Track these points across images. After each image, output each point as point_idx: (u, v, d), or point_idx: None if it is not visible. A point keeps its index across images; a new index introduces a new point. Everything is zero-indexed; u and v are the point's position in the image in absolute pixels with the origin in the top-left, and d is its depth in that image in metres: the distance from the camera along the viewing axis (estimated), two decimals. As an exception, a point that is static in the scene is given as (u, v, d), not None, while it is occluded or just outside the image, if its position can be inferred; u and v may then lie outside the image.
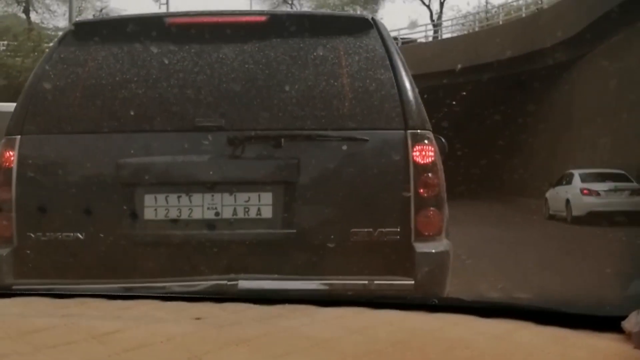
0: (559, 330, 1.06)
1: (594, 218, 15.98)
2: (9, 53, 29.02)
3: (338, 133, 3.40)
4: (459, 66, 26.81)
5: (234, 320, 1.07)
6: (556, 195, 18.64)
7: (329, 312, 1.14)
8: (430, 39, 37.04)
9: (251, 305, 1.17)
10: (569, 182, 18.05)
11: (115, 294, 1.26)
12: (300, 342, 0.97)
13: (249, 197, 3.39)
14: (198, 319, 1.07)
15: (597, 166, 19.75)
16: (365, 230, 3.31)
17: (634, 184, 16.89)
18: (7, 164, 3.48)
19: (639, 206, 15.85)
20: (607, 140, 21.55)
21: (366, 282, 3.19)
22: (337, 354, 0.93)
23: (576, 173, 18.31)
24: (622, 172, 17.61)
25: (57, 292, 1.26)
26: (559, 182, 18.90)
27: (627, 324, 1.05)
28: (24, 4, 37.48)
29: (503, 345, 1.00)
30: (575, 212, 17.16)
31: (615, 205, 16.27)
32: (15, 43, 29.94)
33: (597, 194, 16.85)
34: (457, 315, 1.13)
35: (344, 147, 3.40)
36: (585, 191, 17.03)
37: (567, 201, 17.64)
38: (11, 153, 3.49)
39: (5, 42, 29.95)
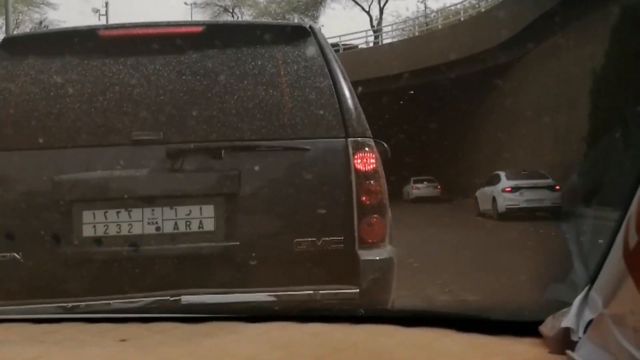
0: (479, 337, 1.09)
1: (516, 214, 17.80)
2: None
3: (279, 143, 3.35)
4: (400, 71, 27.12)
5: (160, 341, 1.07)
6: (484, 194, 20.31)
7: (256, 327, 1.14)
8: (372, 44, 37.32)
9: (178, 324, 1.16)
10: (497, 182, 19.55)
11: (41, 317, 1.24)
12: (227, 357, 0.97)
13: (190, 210, 3.33)
14: (123, 340, 1.06)
15: (539, 165, 20.22)
16: (309, 239, 3.28)
17: (551, 181, 18.38)
18: None
19: (556, 201, 17.48)
20: (549, 139, 21.99)
21: (311, 292, 3.16)
22: (260, 371, 0.93)
23: (502, 174, 19.73)
24: (542, 171, 19.18)
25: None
26: (488, 183, 20.31)
27: (543, 329, 1.08)
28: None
29: (424, 354, 1.01)
30: (500, 209, 18.81)
31: (534, 202, 17.99)
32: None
33: (518, 191, 18.48)
34: (383, 325, 1.15)
35: (285, 157, 3.38)
36: (507, 189, 18.65)
37: (494, 199, 19.30)
38: None
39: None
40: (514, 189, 18.52)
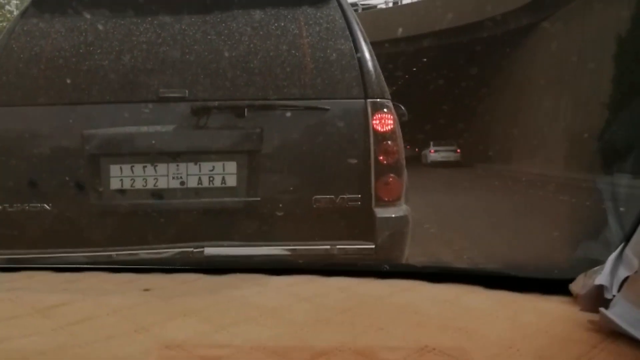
0: (508, 294, 1.08)
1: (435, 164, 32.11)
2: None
3: (300, 103, 3.45)
4: (420, 32, 26.86)
5: (183, 291, 1.07)
6: (423, 154, 35.66)
7: (280, 280, 1.14)
8: (391, 4, 36.99)
9: (201, 276, 1.16)
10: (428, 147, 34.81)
11: (63, 266, 1.24)
12: (249, 311, 0.97)
13: (213, 167, 3.47)
14: (146, 290, 1.06)
15: (556, 131, 20.48)
16: (327, 197, 3.40)
17: (454, 147, 34.49)
18: None
19: (457, 158, 33.72)
20: (568, 105, 21.81)
21: (328, 247, 3.26)
22: (285, 322, 0.93)
23: (431, 142, 34.83)
24: (452, 140, 34.29)
25: (5, 266, 1.25)
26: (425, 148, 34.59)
27: (574, 287, 1.07)
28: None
29: (451, 309, 1.01)
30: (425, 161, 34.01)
31: (444, 158, 33.87)
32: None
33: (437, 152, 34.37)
34: (408, 281, 1.14)
35: (306, 117, 3.46)
36: (431, 151, 34.66)
37: (425, 156, 35.03)
38: None
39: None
40: (435, 151, 34.57)
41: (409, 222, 3.49)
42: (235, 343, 0.85)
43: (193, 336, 0.87)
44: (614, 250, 1.01)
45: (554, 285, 1.10)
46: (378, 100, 3.48)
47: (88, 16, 3.68)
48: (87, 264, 1.29)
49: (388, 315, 0.97)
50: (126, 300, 1.00)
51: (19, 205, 3.45)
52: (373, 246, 3.31)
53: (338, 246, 3.25)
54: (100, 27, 3.65)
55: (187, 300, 1.00)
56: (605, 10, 19.45)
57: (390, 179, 3.45)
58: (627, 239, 0.99)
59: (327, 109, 3.45)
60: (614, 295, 0.95)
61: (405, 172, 3.52)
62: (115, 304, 0.97)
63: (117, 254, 3.07)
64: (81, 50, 3.61)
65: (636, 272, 0.92)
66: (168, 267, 1.22)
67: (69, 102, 3.55)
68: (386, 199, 3.45)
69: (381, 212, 3.42)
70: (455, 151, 35.58)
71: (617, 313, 0.91)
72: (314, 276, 1.19)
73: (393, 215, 3.43)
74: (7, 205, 3.45)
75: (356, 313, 0.97)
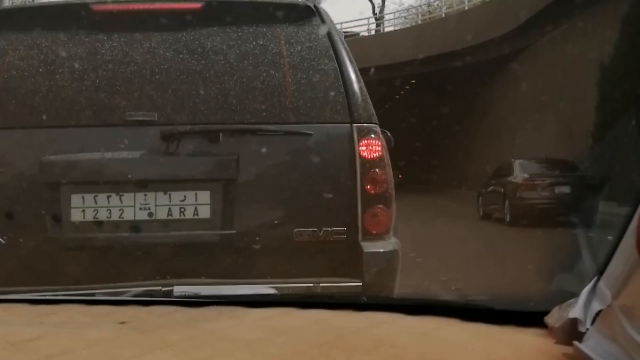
0: (484, 327, 1.09)
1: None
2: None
3: (280, 127, 3.27)
4: (403, 60, 27.06)
5: (160, 324, 1.08)
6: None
7: (257, 313, 1.15)
8: (373, 32, 37.24)
9: (178, 308, 1.17)
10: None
11: (40, 298, 1.25)
12: (225, 344, 0.98)
13: (185, 196, 3.25)
14: (123, 323, 1.07)
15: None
16: (310, 229, 3.19)
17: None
18: None
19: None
20: (552, 131, 21.97)
21: (312, 284, 3.09)
22: (261, 356, 0.94)
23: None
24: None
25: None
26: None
27: (549, 319, 1.09)
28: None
29: (428, 342, 1.02)
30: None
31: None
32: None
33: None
34: (385, 313, 1.16)
35: (287, 142, 3.30)
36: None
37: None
38: None
39: None
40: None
41: (398, 257, 3.30)
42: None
43: (169, 370, 0.88)
44: (588, 283, 1.03)
45: (529, 317, 1.12)
46: (365, 124, 3.29)
47: (50, 34, 3.48)
48: (62, 296, 1.29)
49: (365, 349, 0.98)
50: (102, 334, 1.01)
51: None
52: (360, 284, 3.12)
53: (322, 284, 3.09)
54: (62, 45, 3.46)
55: (164, 333, 1.01)
56: (587, 37, 19.70)
57: (379, 210, 3.24)
58: (600, 272, 1.01)
59: (310, 134, 3.27)
60: (587, 329, 0.96)
61: (394, 203, 3.33)
62: (91, 338, 0.98)
63: (76, 293, 2.88)
64: (41, 70, 3.37)
65: (608, 305, 0.94)
66: (145, 299, 1.23)
67: (26, 126, 3.36)
68: (374, 232, 3.25)
69: (369, 247, 3.21)
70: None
71: (591, 346, 0.93)
72: (290, 309, 1.20)
73: (382, 250, 3.23)
74: None
75: (333, 346, 0.98)
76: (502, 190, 15.75)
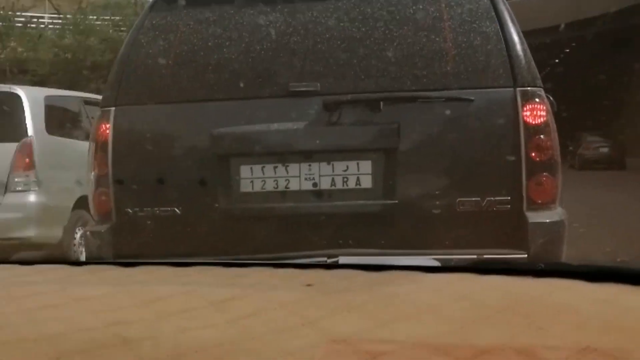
0: None
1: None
2: (114, 27, 29.76)
3: (441, 94, 3.25)
4: (562, 24, 25.99)
5: (344, 287, 1.12)
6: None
7: (436, 278, 1.17)
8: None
9: (360, 272, 1.21)
10: None
11: (230, 261, 1.33)
12: (409, 307, 1.01)
13: (347, 166, 3.30)
14: (309, 285, 1.12)
15: None
16: (473, 199, 3.17)
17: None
18: (103, 137, 3.47)
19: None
20: None
21: (474, 255, 3.07)
22: (444, 320, 0.96)
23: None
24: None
25: (178, 261, 1.34)
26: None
27: None
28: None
29: (611, 309, 1.01)
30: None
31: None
32: (118, 17, 30.66)
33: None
34: (564, 280, 1.15)
35: (448, 109, 3.26)
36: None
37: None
38: (106, 126, 3.47)
39: (110, 18, 30.69)
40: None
41: (565, 228, 3.22)
42: (397, 339, 0.89)
43: (357, 331, 0.92)
44: None
45: None
46: (529, 88, 3.21)
47: (217, 8, 3.59)
48: (244, 260, 1.36)
49: (546, 315, 0.98)
50: (291, 295, 1.06)
51: (149, 209, 3.39)
52: (525, 255, 3.08)
53: (485, 255, 3.04)
54: (228, 19, 3.56)
55: (348, 296, 1.05)
56: None
57: (544, 179, 3.18)
58: None
59: (471, 100, 3.23)
60: None
61: (560, 171, 3.25)
62: (281, 299, 1.04)
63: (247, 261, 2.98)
64: (210, 44, 3.53)
65: None
66: (328, 263, 1.28)
67: (197, 99, 3.48)
68: (539, 202, 3.18)
69: (534, 217, 3.15)
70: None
71: None
72: (468, 274, 1.21)
73: (547, 221, 3.16)
74: (137, 209, 3.41)
75: (514, 312, 0.99)
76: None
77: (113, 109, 3.50)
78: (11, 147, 7.33)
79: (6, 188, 7.22)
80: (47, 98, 8.07)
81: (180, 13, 3.65)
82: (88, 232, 3.56)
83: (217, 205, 3.39)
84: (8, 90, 7.89)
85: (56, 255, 7.22)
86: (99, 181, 3.48)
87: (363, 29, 3.42)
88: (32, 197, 7.26)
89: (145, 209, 3.42)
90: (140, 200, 3.43)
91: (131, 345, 0.87)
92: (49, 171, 7.28)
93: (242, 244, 3.33)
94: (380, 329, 0.93)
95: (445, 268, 1.23)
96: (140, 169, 3.47)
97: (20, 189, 7.25)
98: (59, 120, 8.01)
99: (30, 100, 7.66)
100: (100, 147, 3.48)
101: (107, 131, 3.46)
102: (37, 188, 7.25)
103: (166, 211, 3.39)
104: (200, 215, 3.43)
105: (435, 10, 3.41)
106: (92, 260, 3.16)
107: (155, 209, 3.41)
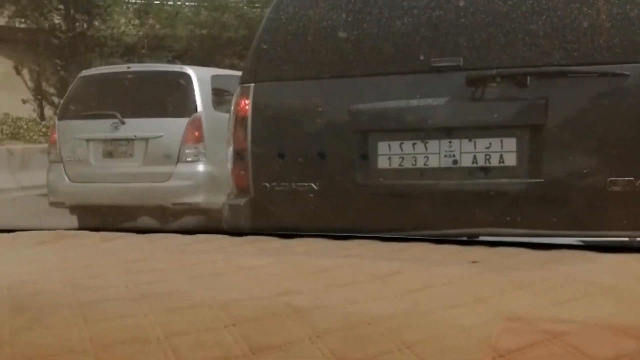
0: None
1: None
2: (248, 4, 30.37)
3: (593, 68, 3.13)
4: None
5: (511, 265, 1.09)
6: None
7: (610, 258, 1.11)
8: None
9: (525, 250, 1.17)
10: None
11: (388, 236, 1.31)
12: (584, 287, 0.96)
13: (490, 143, 3.23)
14: (474, 262, 1.09)
15: None
16: (625, 179, 3.05)
17: None
18: (243, 112, 3.55)
19: None
20: None
21: (627, 238, 2.97)
22: (625, 301, 0.91)
23: None
24: None
25: (336, 234, 1.34)
26: None
27: None
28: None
29: None
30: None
31: None
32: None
33: None
34: None
35: (600, 84, 3.14)
36: None
37: None
38: (246, 101, 3.55)
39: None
40: None
41: None
42: (577, 319, 0.85)
43: (532, 310, 0.89)
44: None
45: None
46: None
47: None
48: (404, 235, 1.34)
49: None
50: (458, 271, 1.04)
51: (287, 184, 3.45)
52: None
53: (638, 238, 2.88)
54: None
55: (518, 274, 1.02)
56: None
57: None
58: None
59: (626, 75, 3.09)
60: None
61: None
62: (448, 274, 1.01)
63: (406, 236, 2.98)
64: (349, 19, 3.52)
65: None
66: (491, 240, 1.24)
67: (336, 75, 3.49)
68: None
69: None
70: None
71: None
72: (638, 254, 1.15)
73: None
74: (275, 184, 3.47)
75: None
76: None
77: (252, 85, 3.57)
78: (182, 122, 8.19)
79: (178, 159, 8.09)
80: (213, 77, 8.93)
81: None
82: (227, 205, 3.65)
83: (354, 181, 3.41)
84: (180, 70, 8.82)
85: (213, 226, 7.68)
86: (238, 156, 3.57)
87: (509, 2, 3.31)
88: (200, 167, 8.13)
89: (282, 183, 3.48)
90: (278, 175, 3.50)
91: (302, 314, 0.87)
92: (214, 144, 7.87)
93: (380, 219, 3.33)
94: (557, 307, 0.89)
95: (616, 248, 1.17)
96: (278, 144, 3.53)
97: (190, 159, 8.12)
98: (221, 97, 8.59)
99: (199, 79, 8.51)
100: (239, 122, 3.56)
101: (247, 107, 3.54)
102: (204, 159, 8.13)
103: (303, 186, 3.44)
104: (337, 190, 3.45)
105: None
106: (249, 231, 3.25)
107: (293, 183, 3.46)
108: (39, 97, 25.94)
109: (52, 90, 26.16)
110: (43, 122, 23.29)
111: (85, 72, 9.35)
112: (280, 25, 3.64)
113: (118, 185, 8.14)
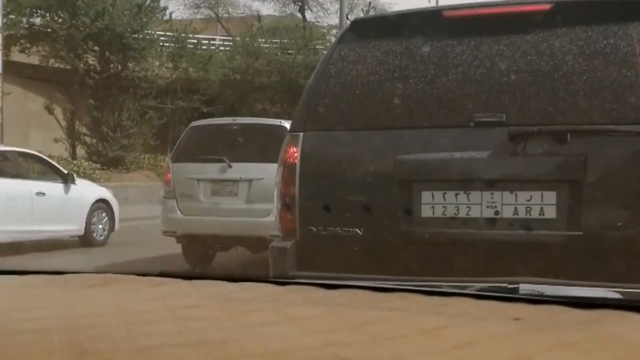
0: None
1: None
2: (281, 50, 30.84)
3: (631, 127, 3.23)
4: None
5: (554, 323, 1.12)
6: None
7: (649, 318, 1.14)
8: None
9: (567, 309, 1.20)
10: None
11: (431, 290, 1.35)
12: (628, 349, 0.99)
13: (531, 196, 3.34)
14: (517, 319, 1.12)
15: None
16: None
17: None
18: (292, 159, 3.70)
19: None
20: None
21: None
22: (669, 364, 0.94)
23: None
24: None
25: (379, 286, 1.38)
26: None
27: None
28: (299, 3, 39.66)
29: None
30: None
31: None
32: (286, 40, 31.74)
33: None
34: None
35: (636, 142, 3.23)
36: None
37: None
38: (295, 149, 3.71)
39: (279, 41, 31.84)
40: None
41: None
42: (621, 380, 0.88)
43: (576, 369, 0.91)
44: None
45: None
46: None
47: (404, 40, 3.73)
48: (446, 290, 1.38)
49: None
50: (501, 328, 1.07)
51: (332, 229, 3.56)
52: None
53: None
54: (414, 50, 3.69)
55: (561, 333, 1.04)
56: None
57: None
58: None
59: None
60: None
61: None
62: (491, 331, 1.04)
63: (424, 283, 3.03)
64: (396, 74, 3.68)
65: None
66: (533, 297, 1.27)
67: (383, 127, 3.63)
68: None
69: None
70: None
71: None
72: None
73: None
74: (321, 228, 3.58)
75: None
76: None
77: (302, 134, 3.73)
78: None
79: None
80: None
81: (368, 44, 3.83)
82: (274, 247, 3.76)
83: (398, 228, 3.51)
84: (278, 123, 10.29)
85: (257, 274, 7.97)
86: (286, 200, 3.70)
87: (551, 62, 3.46)
88: None
89: (328, 228, 3.59)
90: (324, 220, 3.62)
91: (351, 366, 0.90)
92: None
93: (423, 268, 3.41)
94: (601, 368, 0.92)
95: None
96: (325, 190, 3.67)
97: None
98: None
99: None
100: (288, 168, 3.71)
101: (296, 154, 3.69)
102: None
103: (348, 231, 3.55)
104: (381, 237, 3.56)
105: (627, 45, 3.39)
106: (293, 277, 3.31)
107: (338, 228, 3.57)
108: (72, 136, 26.35)
109: (84, 130, 26.56)
110: (74, 162, 23.64)
111: (195, 123, 11.25)
112: (329, 78, 3.80)
113: (224, 219, 9.77)
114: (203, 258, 10.82)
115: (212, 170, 10.15)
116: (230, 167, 10.04)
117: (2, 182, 12.20)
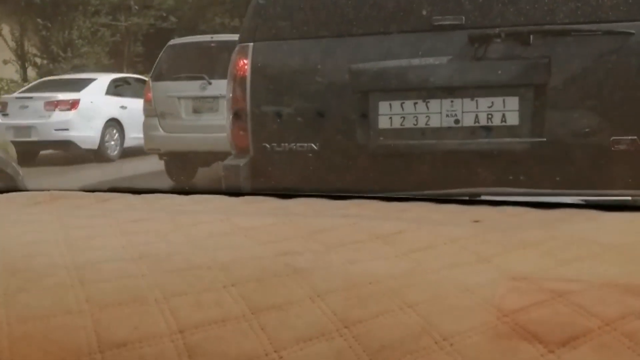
0: None
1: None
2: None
3: (597, 26, 3.16)
4: None
5: (514, 224, 1.10)
6: None
7: (614, 216, 1.12)
8: None
9: (528, 209, 1.18)
10: None
11: (389, 195, 1.32)
12: (590, 246, 0.97)
13: (493, 102, 3.28)
14: (476, 221, 1.10)
15: None
16: (629, 138, 3.10)
17: None
18: (242, 72, 3.58)
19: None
20: None
21: (630, 197, 3.01)
22: (633, 260, 0.92)
23: None
24: None
25: (335, 194, 1.35)
26: None
27: None
28: None
29: None
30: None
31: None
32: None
33: None
34: None
35: (604, 43, 3.17)
36: None
37: None
38: (245, 61, 3.58)
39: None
40: None
41: None
42: (583, 278, 0.86)
43: (537, 269, 0.90)
44: None
45: None
46: None
47: None
48: (405, 195, 1.35)
49: None
50: (460, 231, 1.04)
51: (286, 144, 3.49)
52: None
53: None
54: None
55: (521, 233, 1.03)
56: None
57: None
58: None
59: (631, 33, 3.12)
60: None
61: None
62: (449, 234, 1.02)
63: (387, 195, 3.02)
64: None
65: None
66: (493, 199, 1.25)
67: (336, 34, 3.51)
68: None
69: None
70: None
71: None
72: None
73: None
74: (274, 144, 3.51)
75: None
76: None
77: (251, 44, 3.60)
78: None
79: None
80: None
81: None
82: (226, 166, 3.68)
83: (354, 141, 3.44)
84: None
85: (210, 186, 8.01)
86: (237, 116, 3.60)
87: None
88: None
89: (282, 144, 3.52)
90: (277, 135, 3.53)
91: (303, 274, 0.88)
92: None
93: (380, 180, 3.37)
94: (563, 267, 0.90)
95: (621, 206, 1.18)
96: (277, 104, 3.57)
97: None
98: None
99: None
100: (238, 82, 3.59)
101: (245, 66, 3.57)
102: None
103: (303, 147, 3.47)
104: (337, 151, 3.49)
105: None
106: (246, 191, 3.28)
107: (293, 144, 3.49)
108: (21, 57, 25.76)
109: (34, 50, 25.96)
110: (25, 84, 23.17)
111: (172, 42, 11.27)
112: None
113: (205, 135, 9.72)
114: (186, 174, 10.91)
115: (192, 87, 10.36)
116: (210, 84, 10.22)
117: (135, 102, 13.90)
